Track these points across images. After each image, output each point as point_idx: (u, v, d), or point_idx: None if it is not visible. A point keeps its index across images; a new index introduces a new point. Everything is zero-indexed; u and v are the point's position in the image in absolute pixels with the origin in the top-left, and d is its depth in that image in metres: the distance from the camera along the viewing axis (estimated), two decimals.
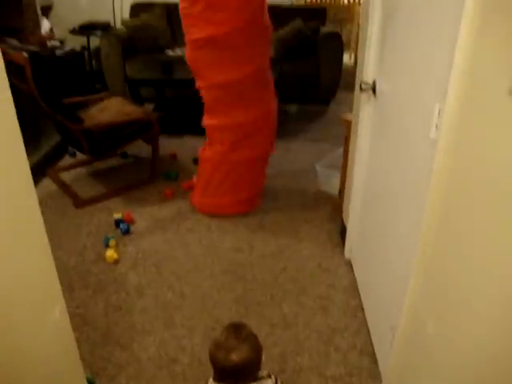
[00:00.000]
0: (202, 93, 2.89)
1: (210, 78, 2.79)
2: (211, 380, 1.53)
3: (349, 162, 2.79)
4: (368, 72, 2.20)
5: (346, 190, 2.87)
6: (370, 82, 2.16)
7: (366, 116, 2.28)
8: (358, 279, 2.52)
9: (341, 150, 3.04)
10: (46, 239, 1.42)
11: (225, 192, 3.10)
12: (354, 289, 2.50)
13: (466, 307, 1.22)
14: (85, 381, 1.82)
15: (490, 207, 1.11)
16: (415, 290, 1.56)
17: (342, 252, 2.78)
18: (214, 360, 1.47)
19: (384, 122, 2.06)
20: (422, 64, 1.54)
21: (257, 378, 1.54)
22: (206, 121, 2.98)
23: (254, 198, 3.24)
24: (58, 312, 1.52)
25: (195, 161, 3.62)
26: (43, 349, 1.44)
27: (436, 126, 1.36)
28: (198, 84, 2.86)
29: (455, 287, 1.28)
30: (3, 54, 1.26)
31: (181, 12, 2.69)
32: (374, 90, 2.15)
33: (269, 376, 1.57)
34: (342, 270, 2.66)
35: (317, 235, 2.96)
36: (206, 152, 3.07)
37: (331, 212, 3.19)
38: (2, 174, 1.23)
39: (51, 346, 1.50)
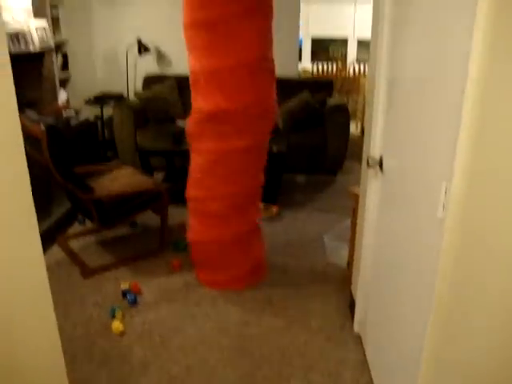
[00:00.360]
0: (193, 161, 2.95)
1: (202, 147, 2.86)
2: None
3: (357, 235, 2.79)
4: (375, 148, 2.25)
5: (354, 263, 2.86)
6: (377, 157, 2.20)
7: (373, 191, 2.31)
8: (368, 355, 2.46)
9: (348, 221, 3.05)
10: (51, 307, 1.42)
11: (220, 268, 3.12)
12: (363, 365, 2.44)
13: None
14: None
15: (497, 284, 1.11)
16: (429, 367, 1.52)
17: (352, 326, 2.73)
18: None
19: (391, 198, 2.08)
20: (428, 142, 1.57)
21: None
22: (191, 192, 3.01)
23: (256, 271, 3.20)
24: None
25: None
26: None
27: (443, 206, 1.38)
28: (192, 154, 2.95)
29: (467, 367, 1.26)
30: (22, 127, 1.31)
31: (190, 82, 2.81)
32: (380, 166, 2.18)
33: None
34: (352, 344, 2.60)
35: (325, 308, 2.92)
36: (192, 232, 3.10)
37: (340, 284, 3.16)
38: (13, 244, 1.25)
39: None
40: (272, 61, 2.82)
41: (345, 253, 3.11)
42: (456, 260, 1.33)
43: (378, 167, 2.20)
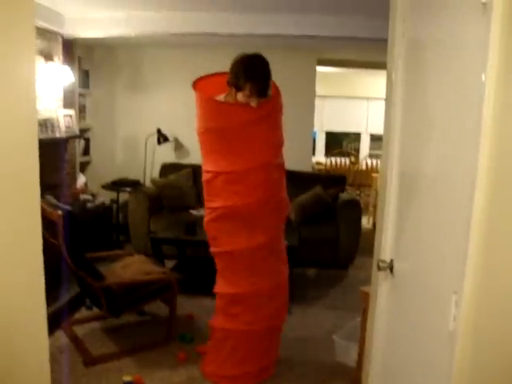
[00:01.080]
0: (215, 258, 2.99)
1: (223, 244, 2.90)
2: None
3: (367, 335, 2.73)
4: (385, 251, 2.26)
5: (363, 365, 2.78)
6: (388, 260, 2.20)
7: (383, 294, 2.29)
8: None
9: (359, 319, 3.00)
10: None
11: (235, 363, 3.02)
12: None
13: None
14: None
15: None
16: None
17: None
18: None
19: (401, 303, 2.06)
20: (438, 251, 1.58)
21: None
22: (217, 287, 3.03)
23: (267, 369, 3.13)
24: None
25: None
26: None
27: (454, 318, 1.37)
28: (212, 249, 2.98)
29: None
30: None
31: (203, 180, 2.89)
32: (391, 269, 2.18)
33: None
34: None
35: None
36: (216, 321, 3.06)
37: None
38: (20, 330, 1.26)
39: None
40: (282, 156, 2.92)
41: (354, 353, 3.03)
42: (469, 373, 1.31)
43: (388, 270, 2.20)
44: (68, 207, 3.22)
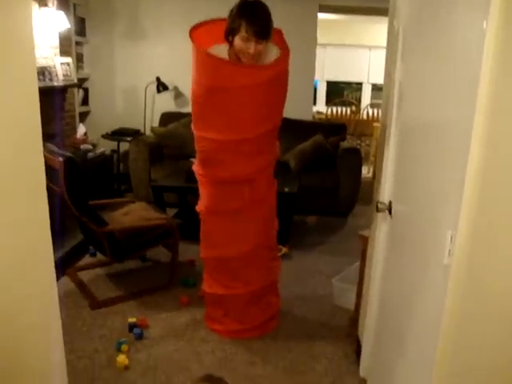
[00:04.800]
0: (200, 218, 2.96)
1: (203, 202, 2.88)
2: None
3: (365, 278, 2.80)
4: (384, 193, 2.28)
5: (361, 307, 2.85)
6: (386, 202, 2.23)
7: (381, 235, 2.33)
8: None
9: (357, 264, 3.06)
10: (61, 342, 1.45)
11: (235, 320, 3.05)
12: None
13: None
14: None
15: (501, 330, 1.13)
16: None
17: (357, 370, 2.71)
18: None
19: (399, 242, 2.10)
20: (435, 191, 1.61)
21: None
22: (202, 252, 3.02)
23: (270, 322, 3.14)
24: None
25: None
26: None
27: (449, 252, 1.40)
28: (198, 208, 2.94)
29: None
30: None
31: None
32: (389, 211, 2.21)
33: None
34: None
35: (331, 351, 2.91)
36: (206, 286, 3.06)
37: (347, 328, 3.14)
38: (28, 273, 1.29)
39: None
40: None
41: (353, 296, 3.10)
42: (461, 306, 1.35)
43: (387, 212, 2.23)
44: (69, 153, 3.22)
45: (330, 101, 9.43)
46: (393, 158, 2.24)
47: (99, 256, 4.00)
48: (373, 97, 9.77)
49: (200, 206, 2.91)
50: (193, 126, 2.75)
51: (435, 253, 1.52)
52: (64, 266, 3.76)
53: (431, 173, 1.66)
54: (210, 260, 3.00)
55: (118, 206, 3.88)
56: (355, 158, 5.11)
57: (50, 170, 3.02)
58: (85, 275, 3.76)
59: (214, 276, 3.01)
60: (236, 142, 2.62)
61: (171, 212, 4.80)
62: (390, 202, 2.22)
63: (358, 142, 8.43)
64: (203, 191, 2.87)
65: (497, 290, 1.18)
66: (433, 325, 1.51)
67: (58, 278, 3.53)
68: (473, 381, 1.26)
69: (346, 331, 3.11)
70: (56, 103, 4.99)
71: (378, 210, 2.28)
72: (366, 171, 7.14)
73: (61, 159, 3.00)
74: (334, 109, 8.56)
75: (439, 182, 1.56)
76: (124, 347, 2.82)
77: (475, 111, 1.24)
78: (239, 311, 3.04)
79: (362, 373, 2.66)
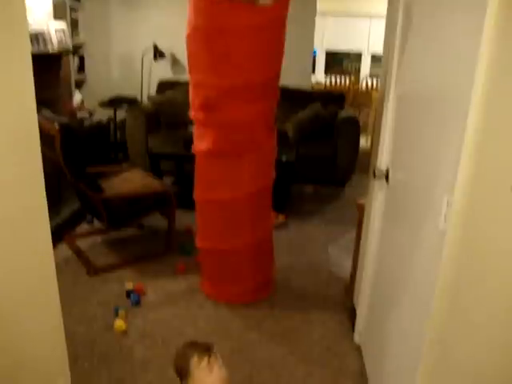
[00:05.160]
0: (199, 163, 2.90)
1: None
2: None
3: (361, 246, 2.81)
4: (382, 160, 2.28)
5: (357, 274, 2.88)
6: (384, 169, 2.23)
7: (378, 202, 2.34)
8: (367, 366, 2.47)
9: (354, 232, 3.07)
10: (58, 305, 1.45)
11: (226, 281, 3.06)
12: (362, 375, 2.45)
13: None
14: None
15: (496, 296, 1.14)
16: (424, 379, 1.54)
17: (352, 336, 2.74)
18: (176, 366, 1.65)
19: (395, 209, 2.10)
20: (432, 157, 1.60)
21: None
22: (200, 194, 2.94)
23: (263, 288, 3.15)
24: (61, 382, 1.53)
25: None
26: None
27: (444, 218, 1.40)
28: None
29: (464, 371, 1.28)
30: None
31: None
32: (386, 178, 2.21)
33: None
34: (351, 355, 2.62)
35: (327, 318, 2.94)
36: (198, 240, 3.05)
37: (342, 295, 3.18)
38: (25, 239, 1.29)
39: None
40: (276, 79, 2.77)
41: (348, 264, 3.13)
42: (456, 271, 1.35)
43: (384, 179, 2.23)
44: (65, 120, 3.19)
45: (328, 71, 9.32)
46: (391, 126, 2.23)
47: (96, 223, 4.01)
48: (372, 67, 9.66)
49: (196, 149, 2.85)
50: (189, 73, 2.70)
51: (431, 218, 1.52)
52: (61, 233, 3.77)
53: (429, 139, 1.65)
54: (203, 204, 2.93)
55: (115, 174, 3.86)
56: (353, 127, 5.07)
57: (45, 136, 3.00)
58: (82, 242, 3.77)
59: (207, 225, 2.96)
60: (234, 87, 2.57)
61: (168, 180, 4.80)
62: (388, 169, 2.21)
63: (357, 112, 8.37)
64: (201, 134, 2.80)
65: (492, 254, 1.18)
66: (427, 291, 1.52)
67: (55, 245, 3.56)
68: (466, 345, 1.28)
69: (341, 299, 3.15)
70: (51, 70, 4.94)
71: (375, 177, 2.28)
72: (364, 141, 7.11)
73: (57, 125, 2.98)
74: (333, 79, 8.48)
75: (437, 148, 1.56)
76: (121, 313, 2.85)
77: (474, 78, 1.23)
78: (232, 270, 3.02)
79: (357, 339, 2.70)
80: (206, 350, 1.64)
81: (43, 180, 1.39)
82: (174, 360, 1.68)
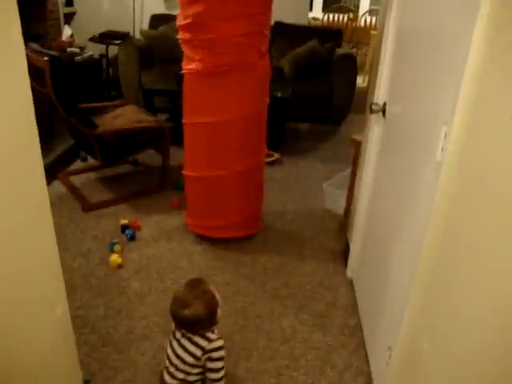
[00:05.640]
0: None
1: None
2: (173, 325, 1.84)
3: (356, 183, 2.81)
4: (379, 94, 2.24)
5: (351, 210, 2.89)
6: (381, 103, 2.20)
7: (374, 137, 2.31)
8: (359, 299, 2.52)
9: (349, 170, 3.07)
10: (53, 236, 1.45)
11: (215, 214, 2.97)
12: (353, 308, 2.51)
13: (463, 324, 1.23)
14: (81, 381, 1.83)
15: (490, 229, 1.13)
16: (413, 310, 1.57)
17: (345, 272, 2.79)
18: (171, 311, 1.76)
19: (392, 144, 2.08)
20: (431, 88, 1.57)
21: (203, 335, 1.78)
22: (189, 117, 2.85)
23: (250, 224, 3.08)
24: (59, 309, 1.55)
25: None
26: (43, 344, 1.46)
27: (442, 149, 1.39)
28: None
29: (453, 306, 1.30)
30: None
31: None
32: (383, 112, 2.18)
33: (218, 338, 1.79)
34: (343, 289, 2.66)
35: (320, 253, 2.98)
36: (186, 168, 2.95)
37: (336, 231, 3.21)
38: (18, 174, 1.27)
39: (51, 342, 1.52)
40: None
41: (343, 201, 3.13)
42: (451, 203, 1.35)
43: (380, 113, 2.20)
44: (55, 53, 3.10)
45: (326, 9, 9.04)
46: (389, 60, 2.18)
47: (91, 161, 3.98)
48: (371, 3, 9.37)
49: (185, 69, 2.77)
50: None
51: (428, 150, 1.51)
52: (55, 170, 3.75)
53: (428, 71, 1.61)
54: (191, 128, 2.84)
55: (108, 110, 3.80)
56: (350, 64, 4.96)
57: (34, 70, 2.92)
58: (76, 180, 3.76)
59: (195, 152, 2.86)
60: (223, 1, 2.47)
61: (162, 118, 4.72)
62: (385, 104, 2.18)
63: (355, 50, 8.19)
64: (189, 55, 2.70)
65: (489, 185, 1.17)
66: (421, 224, 1.52)
67: (49, 183, 3.55)
68: (458, 276, 1.29)
69: (335, 235, 3.18)
70: (38, 2, 4.76)
71: (371, 112, 2.24)
72: (361, 81, 7.00)
73: (46, 58, 2.89)
74: (331, 15, 8.25)
75: (436, 80, 1.52)
76: (117, 247, 2.87)
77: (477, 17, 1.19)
78: (218, 201, 2.92)
79: (349, 274, 2.74)
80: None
81: (33, 112, 1.34)
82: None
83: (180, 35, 2.69)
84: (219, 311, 1.80)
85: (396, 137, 2.01)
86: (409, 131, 1.81)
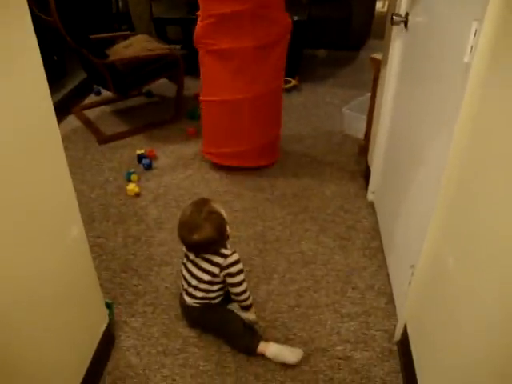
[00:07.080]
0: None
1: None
2: (184, 248, 1.85)
3: (376, 105, 2.71)
4: (401, 5, 2.10)
5: (371, 133, 2.80)
6: (403, 14, 2.07)
7: (396, 51, 2.19)
8: (380, 221, 2.48)
9: (368, 94, 2.96)
10: (63, 155, 1.42)
11: (232, 140, 2.86)
12: (375, 231, 2.47)
13: (488, 242, 1.18)
14: (103, 303, 1.85)
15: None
16: (437, 227, 1.52)
17: (365, 195, 2.73)
18: (179, 236, 1.76)
19: (414, 57, 1.97)
20: None
21: (217, 252, 1.78)
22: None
23: (268, 154, 3.00)
24: (75, 230, 1.53)
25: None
26: (61, 266, 1.45)
27: (471, 49, 1.29)
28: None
29: (477, 224, 1.24)
30: None
31: None
32: (405, 24, 2.05)
33: (233, 253, 1.80)
34: (364, 212, 2.62)
35: (340, 177, 2.92)
36: (201, 92, 2.83)
37: (356, 155, 3.13)
38: (27, 106, 1.22)
39: (68, 264, 1.51)
40: None
41: (363, 124, 3.04)
42: (480, 109, 1.26)
43: (402, 24, 2.07)
44: None
45: None
46: None
47: (105, 94, 3.92)
48: None
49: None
50: None
51: (455, 51, 1.40)
52: (69, 105, 3.70)
53: None
54: (207, 53, 2.72)
55: (119, 40, 3.69)
56: None
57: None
58: (91, 113, 3.71)
59: (211, 78, 2.74)
60: None
61: (175, 47, 4.59)
62: (407, 14, 2.05)
63: None
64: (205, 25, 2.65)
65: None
66: (444, 146, 1.43)
67: (64, 117, 3.52)
68: (481, 193, 1.22)
69: (355, 158, 3.10)
70: None
71: (392, 23, 2.12)
72: (380, 5, 6.69)
73: None
74: None
75: None
76: (134, 177, 2.85)
77: None
78: (237, 127, 2.81)
79: (370, 197, 2.69)
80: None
81: (38, 47, 1.27)
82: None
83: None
84: (228, 228, 1.80)
85: (420, 48, 1.90)
86: (434, 37, 1.69)
